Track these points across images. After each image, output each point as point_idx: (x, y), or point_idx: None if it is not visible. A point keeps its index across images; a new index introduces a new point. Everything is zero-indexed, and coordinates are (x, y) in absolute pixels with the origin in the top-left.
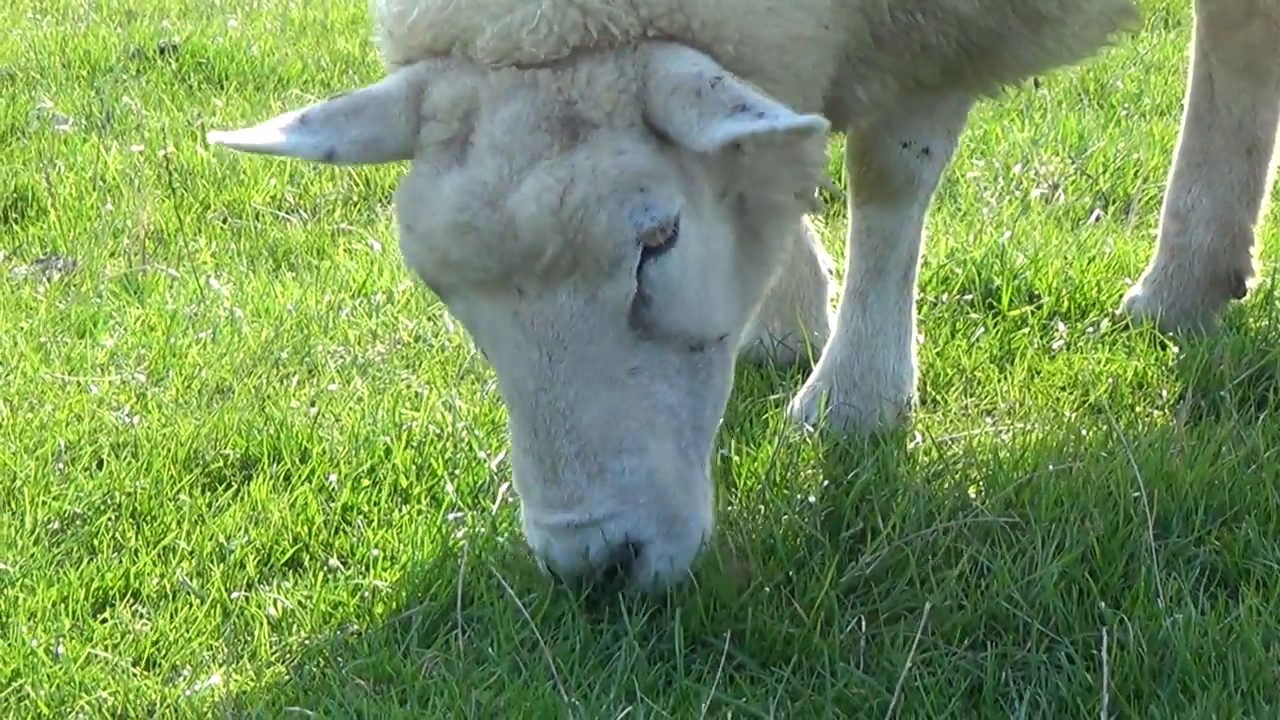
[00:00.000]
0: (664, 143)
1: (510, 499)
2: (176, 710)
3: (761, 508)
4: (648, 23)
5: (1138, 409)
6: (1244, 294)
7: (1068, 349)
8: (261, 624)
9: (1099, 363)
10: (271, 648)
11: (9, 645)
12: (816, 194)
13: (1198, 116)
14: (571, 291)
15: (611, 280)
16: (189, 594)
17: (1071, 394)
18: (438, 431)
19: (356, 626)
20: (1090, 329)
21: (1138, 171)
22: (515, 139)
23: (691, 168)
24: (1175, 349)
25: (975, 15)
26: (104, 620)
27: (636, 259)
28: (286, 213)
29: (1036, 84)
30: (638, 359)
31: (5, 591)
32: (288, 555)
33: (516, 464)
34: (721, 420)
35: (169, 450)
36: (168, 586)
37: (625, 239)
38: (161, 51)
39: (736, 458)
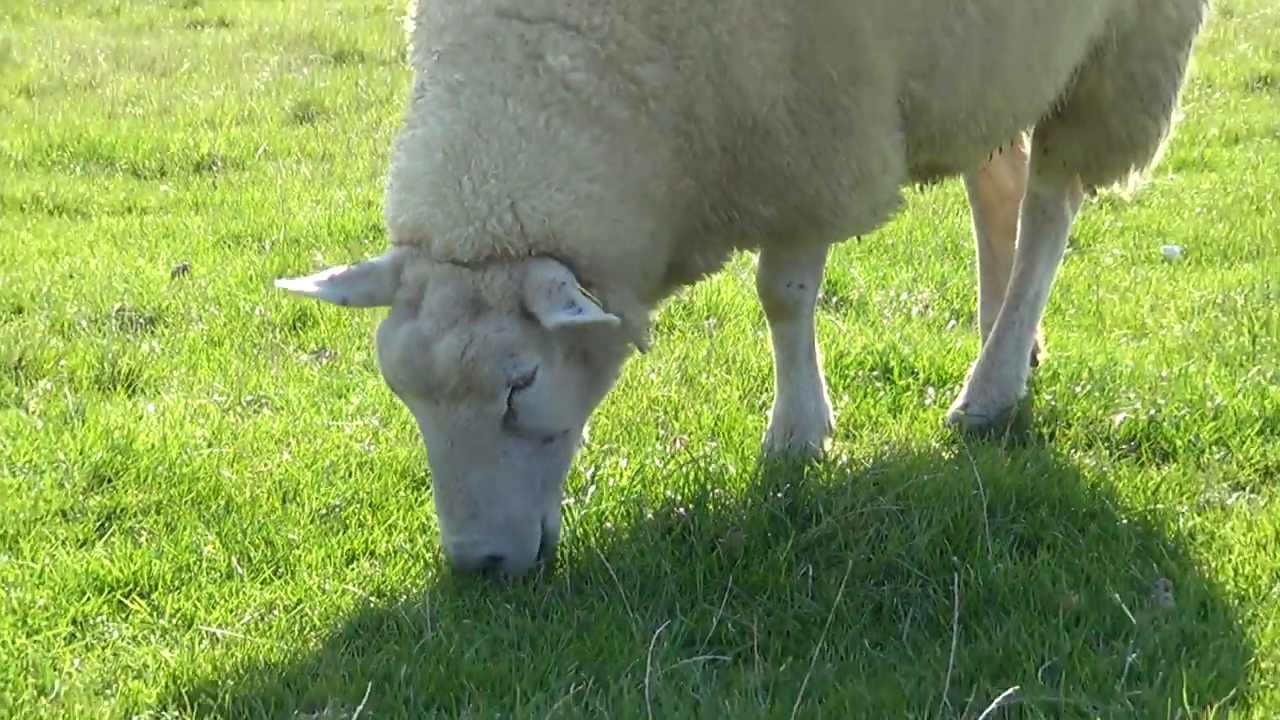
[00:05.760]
0: (531, 321)
1: (593, 487)
2: None
3: (748, 499)
4: (533, 245)
5: (979, 440)
6: (1036, 364)
7: (935, 404)
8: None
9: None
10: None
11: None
12: (646, 339)
13: (987, 270)
14: (466, 406)
15: (492, 403)
16: (409, 555)
17: (938, 432)
18: None
19: None
20: (948, 393)
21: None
22: (443, 310)
23: (550, 338)
24: None
25: (773, 219)
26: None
27: (508, 393)
28: None
29: (859, 239)
30: (507, 447)
31: (292, 554)
32: None
33: (435, 498)
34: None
35: (392, 466)
36: (390, 549)
37: (499, 382)
38: None
39: (733, 470)
